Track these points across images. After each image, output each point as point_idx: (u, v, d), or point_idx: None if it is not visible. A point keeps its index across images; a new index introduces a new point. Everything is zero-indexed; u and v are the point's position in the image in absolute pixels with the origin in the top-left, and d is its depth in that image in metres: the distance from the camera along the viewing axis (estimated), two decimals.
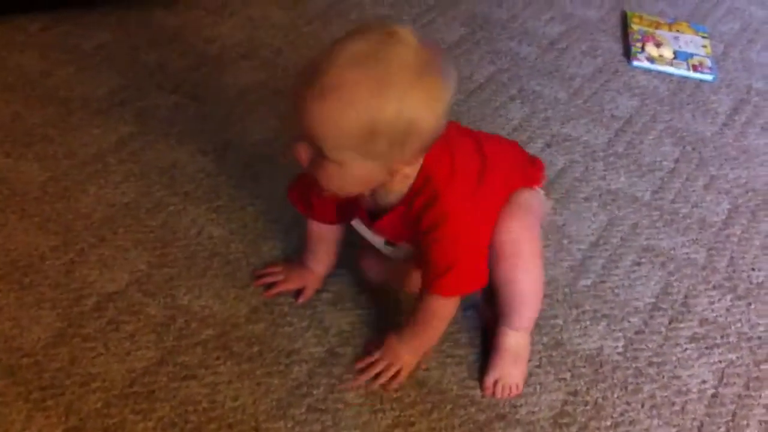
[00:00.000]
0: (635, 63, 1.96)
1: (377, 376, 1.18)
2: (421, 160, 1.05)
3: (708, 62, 1.99)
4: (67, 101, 1.57)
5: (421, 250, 1.10)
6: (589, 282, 1.39)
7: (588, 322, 1.32)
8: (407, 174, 1.04)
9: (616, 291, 1.38)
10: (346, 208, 1.19)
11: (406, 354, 1.19)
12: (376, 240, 1.22)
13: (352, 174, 0.98)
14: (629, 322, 1.33)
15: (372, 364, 1.19)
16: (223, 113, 1.61)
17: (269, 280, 1.29)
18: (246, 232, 1.37)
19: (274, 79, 1.71)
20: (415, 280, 1.24)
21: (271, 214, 1.41)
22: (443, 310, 1.16)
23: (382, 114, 0.91)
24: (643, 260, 1.45)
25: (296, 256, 1.31)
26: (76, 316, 1.20)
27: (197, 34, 1.81)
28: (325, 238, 1.27)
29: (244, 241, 1.35)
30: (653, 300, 1.38)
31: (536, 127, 1.72)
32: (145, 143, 1.51)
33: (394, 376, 1.18)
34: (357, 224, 1.21)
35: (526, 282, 1.17)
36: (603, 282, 1.39)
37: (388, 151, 0.96)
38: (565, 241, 1.46)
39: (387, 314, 1.28)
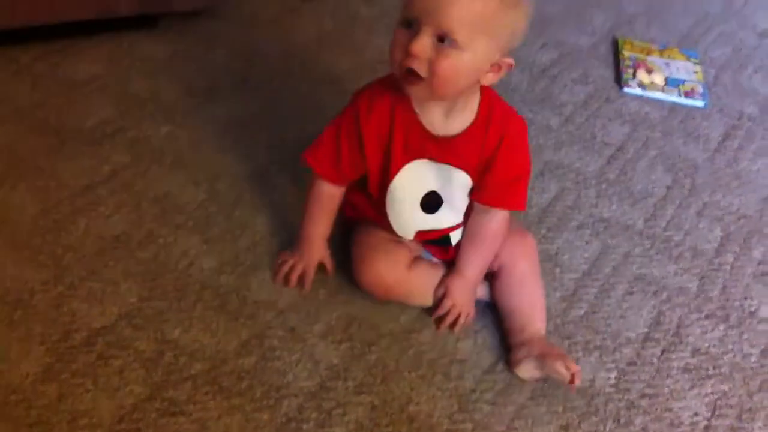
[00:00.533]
0: (627, 90, 1.97)
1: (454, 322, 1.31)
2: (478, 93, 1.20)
3: (699, 88, 2.00)
4: (59, 132, 1.57)
5: (487, 170, 1.22)
6: (581, 312, 1.39)
7: (580, 353, 1.32)
8: (489, 80, 1.16)
9: (608, 321, 1.38)
10: (404, 149, 1.22)
11: (469, 289, 1.31)
12: (418, 197, 1.27)
13: (471, 59, 1.08)
14: (621, 353, 1.33)
15: (448, 312, 1.30)
16: (216, 142, 1.61)
17: (296, 274, 1.33)
18: (237, 263, 1.37)
19: (266, 108, 1.72)
20: (422, 289, 1.32)
21: (263, 245, 1.41)
22: (503, 225, 1.30)
23: (505, 2, 1.08)
24: (635, 289, 1.45)
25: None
26: (65, 351, 1.19)
27: (189, 63, 1.81)
28: (331, 204, 1.32)
29: (234, 273, 1.35)
30: (645, 330, 1.37)
31: None
32: (136, 174, 1.51)
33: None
34: (408, 172, 1.23)
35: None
36: (595, 312, 1.39)
37: (500, 39, 1.10)
38: (558, 270, 1.46)
39: (379, 348, 1.28)
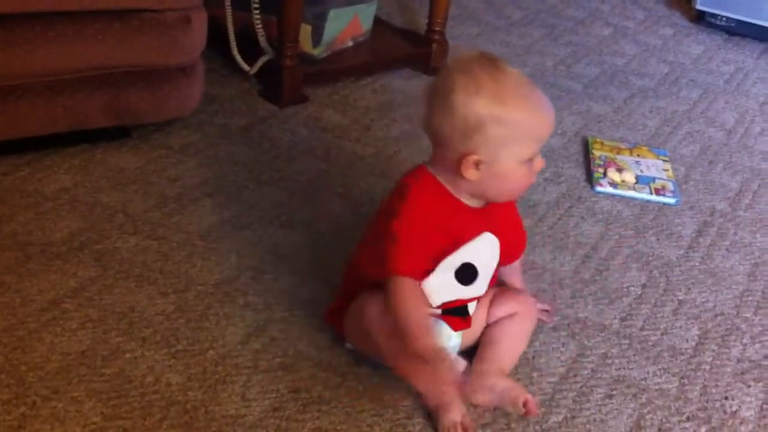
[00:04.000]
0: (598, 188, 1.98)
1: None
2: None
3: (670, 185, 2.02)
4: (26, 246, 1.55)
5: (511, 231, 1.42)
6: (560, 418, 1.35)
7: None
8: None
9: (588, 427, 1.34)
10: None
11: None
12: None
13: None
14: None
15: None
16: (185, 253, 1.59)
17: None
18: (205, 377, 1.33)
19: (238, 216, 1.71)
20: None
21: (232, 358, 1.37)
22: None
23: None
24: (614, 392, 1.42)
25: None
26: None
27: (161, 173, 1.81)
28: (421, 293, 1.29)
29: (202, 388, 1.31)
30: None
31: None
32: (103, 287, 1.48)
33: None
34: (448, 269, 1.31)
35: None
36: (574, 417, 1.36)
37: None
38: (535, 375, 1.43)
39: None
